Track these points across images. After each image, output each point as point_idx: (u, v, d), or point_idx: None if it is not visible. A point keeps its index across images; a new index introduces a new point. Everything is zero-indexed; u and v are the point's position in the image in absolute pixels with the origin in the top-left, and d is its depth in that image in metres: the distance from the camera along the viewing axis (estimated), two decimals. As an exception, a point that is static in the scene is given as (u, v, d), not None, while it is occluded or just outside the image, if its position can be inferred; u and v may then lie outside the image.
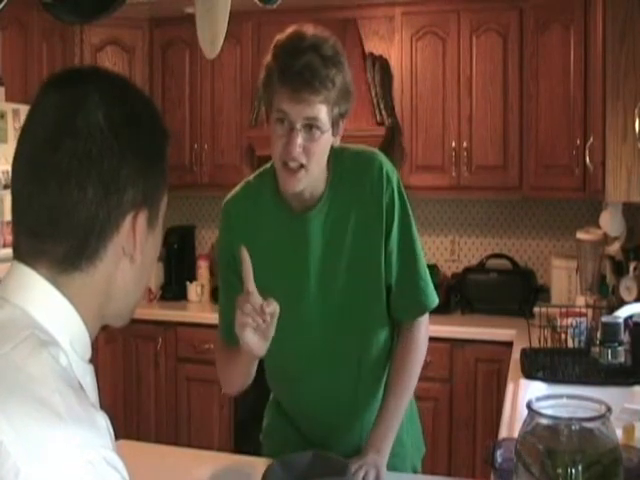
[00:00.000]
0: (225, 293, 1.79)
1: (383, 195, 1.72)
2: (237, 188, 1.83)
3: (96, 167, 0.87)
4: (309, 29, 1.61)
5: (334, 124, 1.63)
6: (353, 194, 1.73)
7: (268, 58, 1.63)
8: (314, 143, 1.60)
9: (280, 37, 1.63)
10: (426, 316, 1.84)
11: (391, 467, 1.75)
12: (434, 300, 1.81)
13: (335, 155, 1.74)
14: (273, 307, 1.48)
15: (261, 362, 1.89)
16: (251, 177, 1.82)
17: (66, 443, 0.75)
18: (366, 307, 1.76)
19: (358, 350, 1.78)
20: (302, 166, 1.61)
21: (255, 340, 1.51)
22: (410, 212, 1.78)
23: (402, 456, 1.84)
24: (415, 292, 1.79)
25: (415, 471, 1.90)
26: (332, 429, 1.80)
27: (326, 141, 1.63)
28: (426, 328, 1.84)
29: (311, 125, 1.59)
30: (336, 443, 1.79)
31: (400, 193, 1.75)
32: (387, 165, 1.75)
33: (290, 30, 1.63)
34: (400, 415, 1.76)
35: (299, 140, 1.58)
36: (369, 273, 1.74)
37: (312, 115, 1.58)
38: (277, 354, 1.65)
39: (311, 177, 1.65)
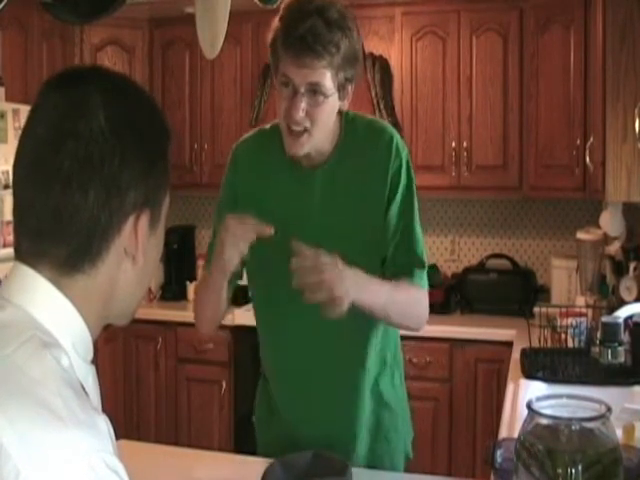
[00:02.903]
0: (217, 227, 1.79)
1: (390, 165, 1.73)
2: (250, 133, 1.85)
3: (97, 170, 0.87)
4: None
5: (340, 88, 1.62)
6: (361, 159, 1.74)
7: (276, 20, 1.63)
8: (318, 108, 1.60)
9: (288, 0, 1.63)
10: (426, 294, 1.79)
11: (386, 453, 1.76)
12: (425, 280, 1.77)
13: (347, 120, 1.75)
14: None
15: (258, 361, 1.90)
16: (267, 125, 1.82)
17: (67, 446, 0.75)
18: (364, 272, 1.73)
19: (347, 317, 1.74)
20: (305, 130, 1.62)
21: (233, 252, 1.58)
22: (414, 188, 1.77)
23: (396, 442, 1.85)
24: (409, 265, 1.74)
25: (407, 454, 1.90)
26: (321, 409, 1.78)
27: (331, 106, 1.63)
28: (425, 299, 1.78)
29: (315, 90, 1.58)
30: (326, 428, 1.76)
31: (408, 168, 1.76)
32: (398, 139, 1.76)
33: None
34: (391, 301, 1.66)
35: (302, 104, 1.59)
36: (367, 236, 1.73)
37: (315, 80, 1.57)
38: (274, 302, 1.68)
39: (315, 141, 1.65)
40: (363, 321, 1.72)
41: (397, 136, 1.77)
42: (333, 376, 1.77)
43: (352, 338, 1.76)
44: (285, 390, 1.82)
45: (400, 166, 1.74)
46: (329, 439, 1.74)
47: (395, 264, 1.74)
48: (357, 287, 1.56)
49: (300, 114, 1.59)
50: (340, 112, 1.75)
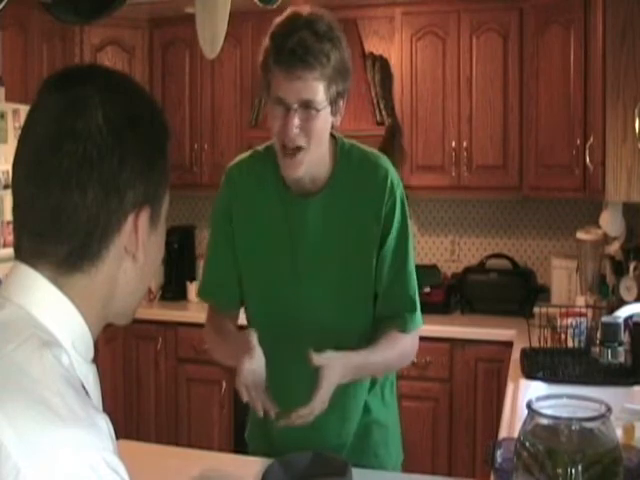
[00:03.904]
0: (213, 250, 1.84)
1: (384, 204, 1.71)
2: (244, 156, 1.83)
3: (96, 169, 0.86)
4: (305, 9, 1.61)
5: (332, 103, 1.62)
6: (354, 195, 1.73)
7: (266, 39, 1.63)
8: (311, 122, 1.59)
9: (277, 19, 1.63)
10: (416, 333, 1.81)
11: (376, 467, 1.76)
12: (418, 323, 1.78)
13: (342, 149, 1.74)
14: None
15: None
16: (261, 147, 1.82)
17: (67, 445, 0.75)
18: (351, 308, 1.75)
19: (340, 339, 1.74)
20: (301, 148, 1.61)
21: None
22: (409, 227, 1.76)
23: (385, 459, 1.84)
24: (400, 308, 1.76)
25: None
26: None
27: (323, 120, 1.62)
28: (413, 340, 1.81)
29: (307, 105, 1.58)
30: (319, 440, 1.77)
31: (402, 207, 1.74)
32: (393, 176, 1.74)
33: (287, 11, 1.63)
34: (374, 368, 1.74)
35: (296, 121, 1.58)
36: (357, 270, 1.73)
37: (307, 98, 1.57)
38: (266, 330, 1.69)
39: (311, 160, 1.64)
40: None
41: (392, 172, 1.75)
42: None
43: None
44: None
45: (394, 205, 1.72)
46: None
47: (386, 306, 1.75)
48: (350, 376, 1.66)
49: (294, 130, 1.58)
50: (335, 139, 1.74)
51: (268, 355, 1.79)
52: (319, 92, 1.58)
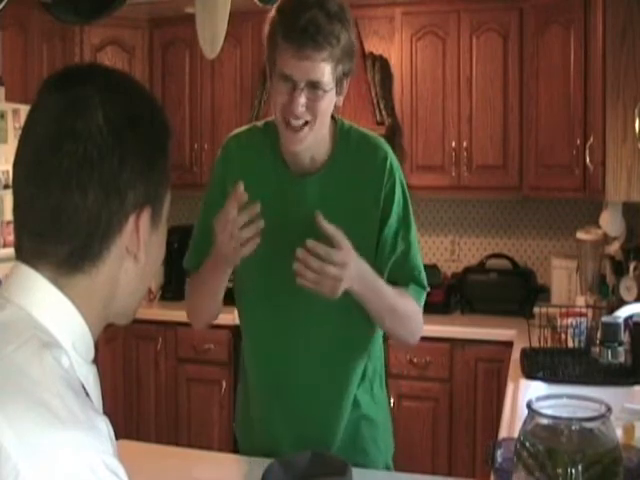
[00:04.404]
0: (202, 221, 1.81)
1: (383, 185, 1.71)
2: (242, 129, 1.82)
3: (97, 170, 0.86)
4: None
5: (337, 83, 1.62)
6: (353, 176, 1.72)
7: (272, 13, 1.61)
8: (318, 102, 1.59)
9: None
10: (421, 309, 1.80)
11: (363, 466, 1.75)
12: (423, 297, 1.78)
13: (341, 130, 1.73)
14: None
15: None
16: (259, 123, 1.81)
17: (66, 447, 0.75)
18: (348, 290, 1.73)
19: (336, 330, 1.74)
20: (306, 123, 1.60)
21: (231, 246, 1.56)
22: (410, 208, 1.76)
23: (375, 455, 1.83)
24: (407, 280, 1.75)
25: (388, 468, 1.89)
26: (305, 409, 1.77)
27: (329, 99, 1.62)
28: (419, 312, 1.78)
29: (314, 85, 1.57)
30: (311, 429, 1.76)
31: (402, 187, 1.74)
32: (392, 157, 1.74)
33: None
34: (379, 298, 1.68)
35: (302, 99, 1.57)
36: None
37: (315, 78, 1.56)
38: (263, 302, 1.70)
39: (315, 136, 1.64)
40: (351, 348, 1.74)
41: (391, 154, 1.75)
42: (313, 390, 1.76)
43: (337, 360, 1.76)
44: (263, 400, 1.81)
45: (394, 186, 1.72)
46: (305, 449, 1.71)
47: (394, 284, 1.73)
48: (360, 281, 1.60)
49: (300, 109, 1.58)
50: (335, 120, 1.74)
51: (266, 328, 1.78)
52: (327, 73, 1.57)
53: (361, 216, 1.71)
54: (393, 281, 1.73)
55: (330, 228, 1.56)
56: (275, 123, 1.69)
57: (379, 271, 1.71)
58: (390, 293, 1.69)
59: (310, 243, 1.53)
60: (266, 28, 1.63)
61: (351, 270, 1.56)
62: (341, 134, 1.73)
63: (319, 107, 1.60)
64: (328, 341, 1.74)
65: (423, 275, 1.78)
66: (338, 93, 1.64)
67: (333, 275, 1.53)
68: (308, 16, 1.53)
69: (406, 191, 1.76)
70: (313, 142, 1.66)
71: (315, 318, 1.73)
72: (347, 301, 1.65)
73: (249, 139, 1.79)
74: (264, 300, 1.76)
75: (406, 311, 1.74)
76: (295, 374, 1.75)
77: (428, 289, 1.80)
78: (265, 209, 1.70)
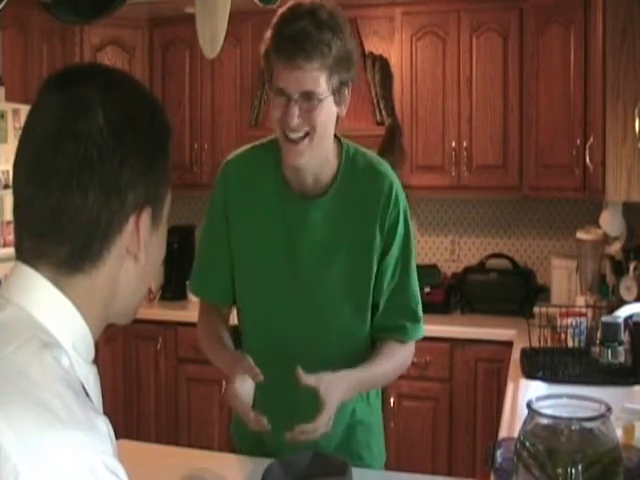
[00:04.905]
0: (205, 246, 1.82)
1: (388, 215, 1.70)
2: (241, 150, 1.81)
3: (97, 171, 0.86)
4: None
5: (335, 92, 1.60)
6: (358, 203, 1.71)
7: (268, 30, 1.62)
8: (313, 112, 1.57)
9: (281, 9, 1.62)
10: (412, 344, 1.81)
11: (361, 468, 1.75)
12: (420, 333, 1.79)
13: (347, 154, 1.72)
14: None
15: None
16: (258, 143, 1.80)
17: (66, 448, 0.75)
18: (347, 315, 1.74)
19: (329, 351, 1.75)
20: (306, 135, 1.59)
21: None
22: (412, 239, 1.76)
23: (369, 460, 1.84)
24: (401, 318, 1.76)
25: None
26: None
27: (328, 110, 1.60)
28: (411, 348, 1.81)
29: (309, 95, 1.56)
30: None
31: (405, 218, 1.73)
32: (398, 187, 1.73)
33: (290, 1, 1.62)
34: (375, 381, 1.75)
35: (296, 111, 1.56)
36: (355, 280, 1.72)
37: (308, 88, 1.55)
38: (261, 326, 1.72)
39: (316, 151, 1.62)
40: (351, 355, 1.74)
41: (397, 182, 1.74)
42: (310, 395, 1.75)
43: (337, 366, 1.73)
44: (260, 402, 1.78)
45: (398, 216, 1.71)
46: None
47: (388, 317, 1.75)
48: (352, 393, 1.67)
49: (295, 121, 1.57)
50: (340, 143, 1.73)
51: (265, 354, 1.78)
52: (320, 83, 1.56)
53: (363, 243, 1.71)
54: (389, 308, 1.74)
55: (310, 380, 1.56)
56: (275, 143, 1.69)
57: (374, 297, 1.73)
58: (380, 372, 1.73)
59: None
60: (262, 45, 1.63)
61: (339, 402, 1.59)
62: (347, 158, 1.72)
63: (316, 117, 1.58)
64: (328, 348, 1.75)
65: (420, 306, 1.79)
66: (338, 103, 1.62)
67: (323, 431, 1.57)
68: (297, 26, 1.54)
69: (409, 220, 1.75)
70: (314, 158, 1.64)
71: (315, 338, 1.74)
72: (348, 318, 1.69)
73: (249, 160, 1.78)
74: (264, 321, 1.77)
75: (396, 370, 1.79)
76: (293, 378, 1.75)
77: (422, 334, 1.81)
78: (267, 230, 1.70)
